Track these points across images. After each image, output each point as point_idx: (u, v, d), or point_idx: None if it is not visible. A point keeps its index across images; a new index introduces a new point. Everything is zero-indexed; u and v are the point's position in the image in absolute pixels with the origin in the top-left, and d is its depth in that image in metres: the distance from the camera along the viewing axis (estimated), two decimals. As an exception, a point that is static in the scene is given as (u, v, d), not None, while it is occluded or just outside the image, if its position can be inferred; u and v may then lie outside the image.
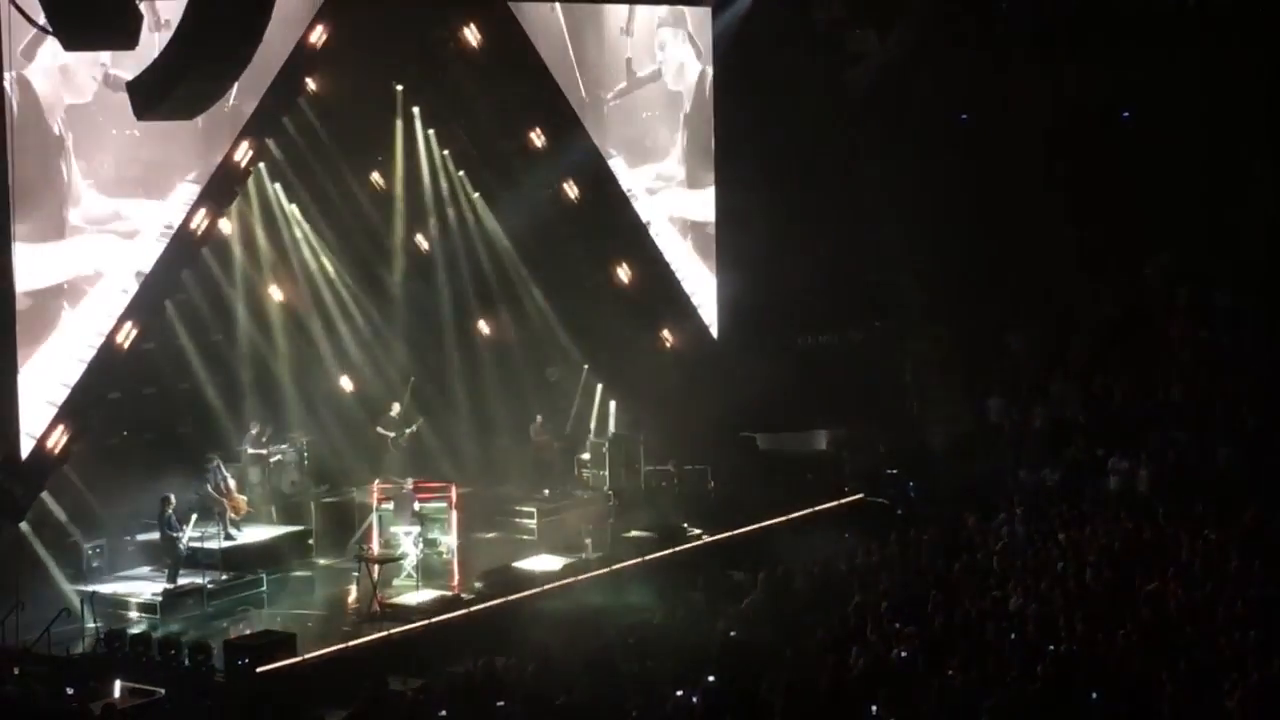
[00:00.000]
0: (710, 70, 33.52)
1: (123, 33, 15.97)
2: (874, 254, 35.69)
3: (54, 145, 25.41)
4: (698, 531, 29.86)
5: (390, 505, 27.74)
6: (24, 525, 25.79)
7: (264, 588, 26.81)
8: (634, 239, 32.69)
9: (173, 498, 27.13)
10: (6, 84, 24.41)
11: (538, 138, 31.18)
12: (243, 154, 27.04)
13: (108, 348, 25.87)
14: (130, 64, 21.63)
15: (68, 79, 25.31)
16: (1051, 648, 21.35)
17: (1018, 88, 34.93)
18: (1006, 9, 34.83)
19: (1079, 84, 35.02)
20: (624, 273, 32.41)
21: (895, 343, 36.19)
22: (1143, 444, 31.69)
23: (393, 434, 31.45)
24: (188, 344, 30.23)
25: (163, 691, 22.53)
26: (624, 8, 32.14)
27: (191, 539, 26.95)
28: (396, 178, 32.62)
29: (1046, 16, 34.49)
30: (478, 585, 26.94)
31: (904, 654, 21.26)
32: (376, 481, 28.87)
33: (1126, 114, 37.24)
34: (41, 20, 16.56)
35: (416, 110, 31.68)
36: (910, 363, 36.12)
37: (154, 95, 16.88)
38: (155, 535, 26.98)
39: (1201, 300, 35.69)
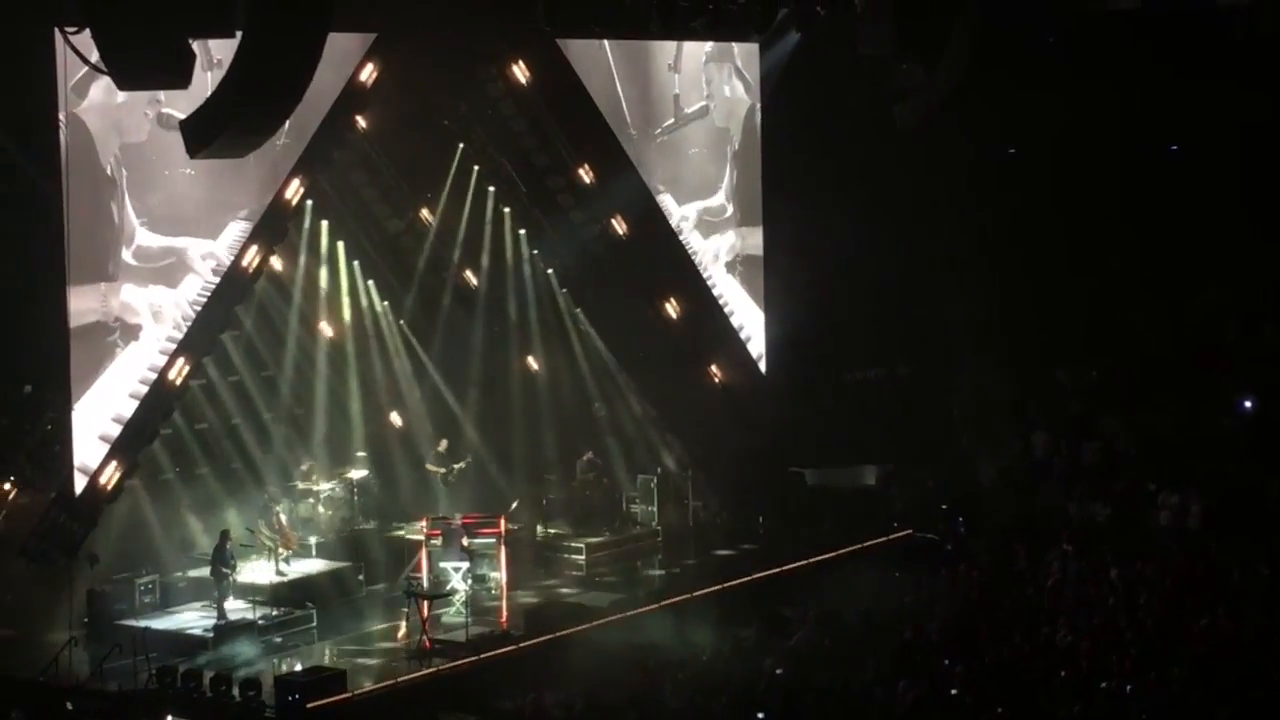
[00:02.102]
0: (758, 106, 33.57)
1: (175, 72, 16.08)
2: (922, 289, 35.62)
3: (106, 184, 25.60)
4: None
5: (439, 541, 27.81)
6: (78, 561, 25.92)
7: (314, 623, 26.89)
8: (682, 274, 32.72)
9: (230, 533, 27.26)
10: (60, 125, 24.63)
11: (586, 174, 31.27)
12: (294, 191, 27.23)
13: (160, 384, 26.08)
14: (183, 102, 21.80)
15: (121, 118, 25.52)
16: (1103, 685, 21.27)
17: (1065, 121, 34.84)
18: (1054, 43, 34.70)
19: (1127, 118, 34.93)
20: (672, 308, 32.44)
21: (943, 378, 36.07)
22: (1193, 478, 31.53)
23: (442, 470, 31.53)
24: (240, 380, 30.39)
25: (214, 727, 22.64)
26: (671, 44, 32.20)
27: (243, 574, 27.06)
28: (444, 214, 32.72)
29: (1093, 50, 34.39)
30: (525, 620, 26.96)
31: (954, 691, 21.20)
32: (426, 517, 28.96)
33: (1175, 147, 37.14)
34: (95, 58, 16.69)
35: (464, 146, 31.76)
36: (959, 398, 36.01)
37: (207, 133, 16.99)
38: (207, 570, 27.06)
39: (1251, 333, 35.53)
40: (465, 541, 27.74)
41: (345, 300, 32.40)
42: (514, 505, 31.22)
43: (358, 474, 31.25)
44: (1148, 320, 36.19)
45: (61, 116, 24.60)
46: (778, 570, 29.69)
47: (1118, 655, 22.07)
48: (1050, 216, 35.54)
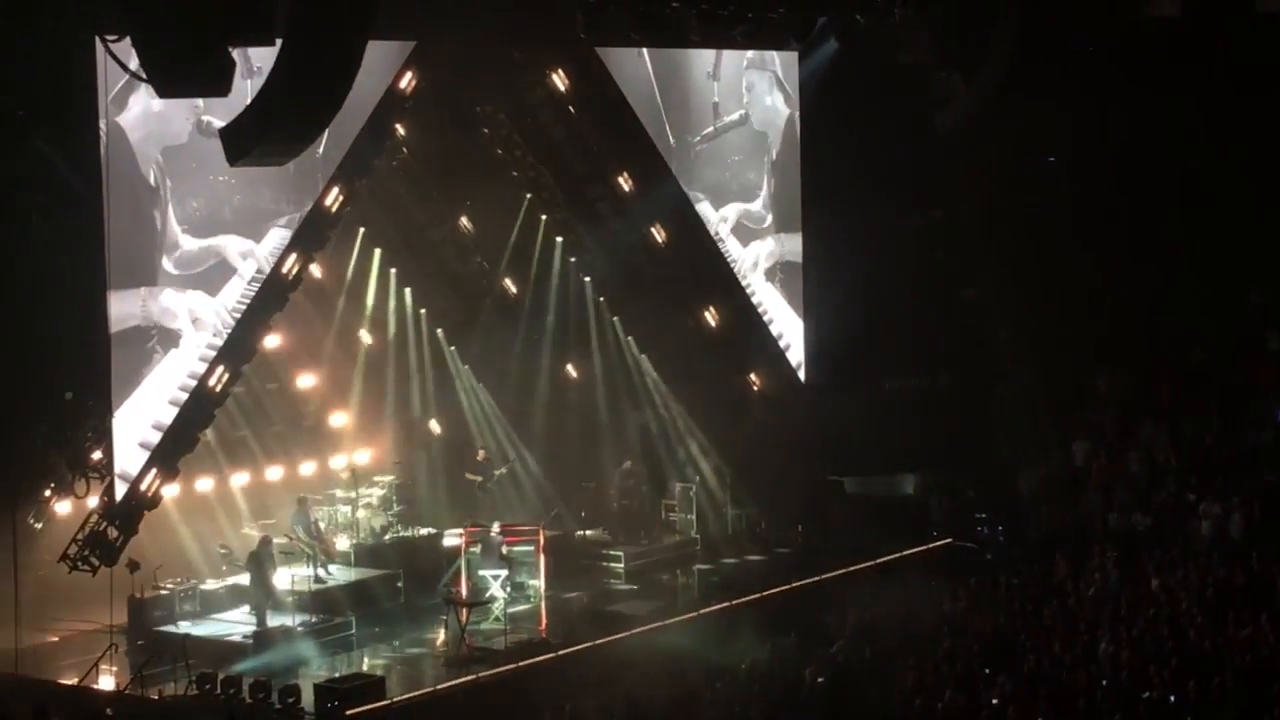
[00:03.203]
0: (797, 113, 33.51)
1: (215, 80, 16.11)
2: (962, 297, 35.52)
3: (147, 191, 25.68)
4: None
5: (478, 548, 27.84)
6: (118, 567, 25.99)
7: (353, 630, 26.92)
8: (721, 282, 32.68)
9: (271, 539, 27.33)
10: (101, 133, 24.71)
11: (625, 182, 31.25)
12: (333, 199, 27.24)
13: (200, 391, 26.10)
14: (223, 110, 21.88)
15: (161, 126, 25.59)
16: (1145, 695, 21.17)
17: (1105, 128, 34.69)
18: (1093, 51, 34.60)
19: (1168, 124, 34.76)
20: (711, 316, 32.41)
21: (984, 386, 35.96)
22: (1235, 487, 31.37)
23: (480, 477, 31.56)
24: (279, 387, 30.46)
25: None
26: (710, 52, 32.15)
27: (282, 581, 27.12)
28: (482, 222, 32.76)
29: (1135, 57, 34.25)
30: (564, 628, 26.95)
31: (994, 700, 21.12)
32: (465, 525, 29.00)
33: (1217, 156, 36.89)
34: (135, 66, 16.75)
35: (503, 154, 31.77)
36: (999, 406, 35.88)
37: (246, 141, 17.01)
38: (246, 577, 27.12)
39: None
40: (504, 549, 27.76)
41: (383, 307, 32.49)
42: (553, 513, 31.30)
43: (396, 481, 31.30)
44: (1189, 329, 36.01)
45: (103, 124, 24.68)
46: (816, 579, 29.62)
47: (1159, 665, 21.95)
48: (1090, 225, 35.36)
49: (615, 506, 32.32)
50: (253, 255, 26.73)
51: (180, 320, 26.05)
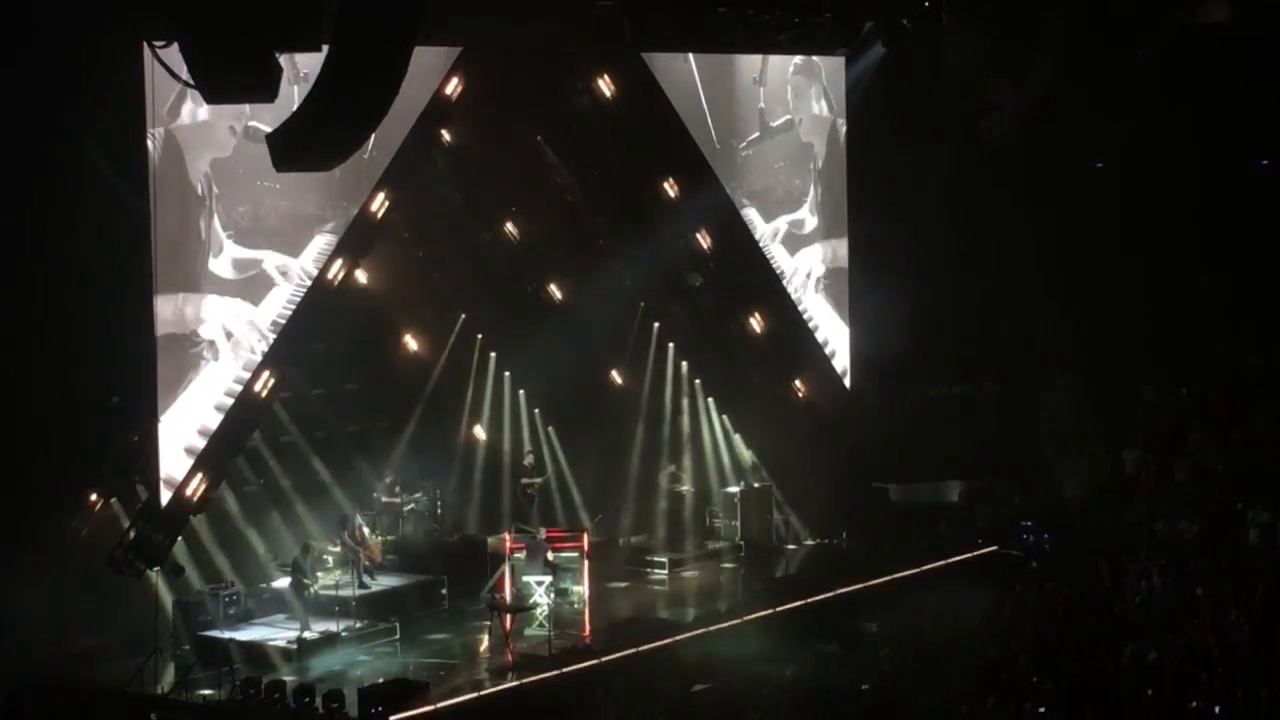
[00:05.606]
0: (843, 119, 33.43)
1: (263, 86, 16.12)
2: (1008, 304, 35.38)
3: (194, 198, 25.76)
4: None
5: (522, 554, 27.84)
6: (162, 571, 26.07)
7: (397, 635, 26.95)
8: (767, 289, 32.64)
9: (313, 545, 27.37)
10: (150, 140, 24.78)
11: (670, 188, 31.25)
12: (379, 204, 27.30)
13: (246, 396, 26.18)
14: (269, 116, 21.93)
15: (207, 132, 25.68)
16: (1192, 705, 21.05)
17: (1155, 135, 34.53)
18: (1142, 56, 34.43)
19: (1217, 129, 34.56)
20: (757, 322, 32.37)
21: (1030, 394, 35.83)
22: (1283, 496, 31.24)
23: (525, 483, 31.56)
24: (324, 392, 30.50)
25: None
26: (757, 58, 32.11)
27: (326, 586, 27.16)
28: (528, 228, 32.75)
29: (1182, 63, 34.08)
30: (608, 634, 26.92)
31: (1040, 709, 21.03)
32: (509, 530, 28.99)
33: (1266, 162, 36.71)
34: (184, 74, 16.79)
35: (548, 160, 31.78)
36: (1045, 414, 35.75)
37: (293, 147, 17.01)
38: (290, 582, 27.17)
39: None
40: (549, 555, 27.74)
41: (426, 314, 32.50)
42: (597, 518, 31.28)
43: (441, 487, 31.32)
44: (1239, 337, 35.80)
45: (151, 131, 24.75)
46: (861, 585, 29.52)
47: (1206, 675, 21.83)
48: (1139, 231, 35.19)
49: (659, 512, 32.28)
50: (291, 269, 26.76)
51: (225, 328, 26.13)
